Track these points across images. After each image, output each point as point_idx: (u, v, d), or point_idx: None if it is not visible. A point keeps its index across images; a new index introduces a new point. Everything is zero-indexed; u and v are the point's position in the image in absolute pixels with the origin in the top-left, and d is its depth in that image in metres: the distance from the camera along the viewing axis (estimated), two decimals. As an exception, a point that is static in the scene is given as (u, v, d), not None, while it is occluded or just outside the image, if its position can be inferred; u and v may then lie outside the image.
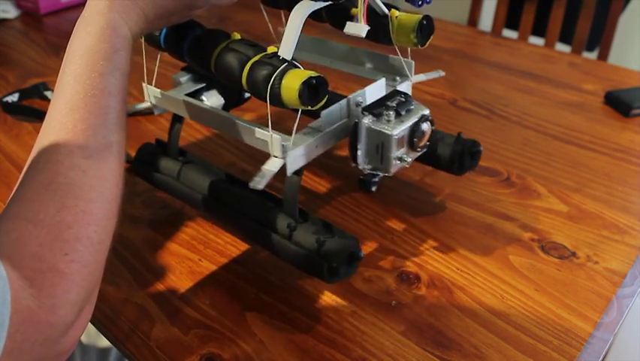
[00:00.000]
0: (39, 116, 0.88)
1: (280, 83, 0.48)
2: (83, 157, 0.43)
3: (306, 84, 0.48)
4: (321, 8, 0.54)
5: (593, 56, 1.47)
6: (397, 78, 0.63)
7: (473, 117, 0.88)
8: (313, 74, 0.49)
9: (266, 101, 0.50)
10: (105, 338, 0.57)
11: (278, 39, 0.73)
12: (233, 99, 0.65)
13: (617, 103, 0.89)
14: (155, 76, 0.64)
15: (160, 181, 0.66)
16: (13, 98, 0.92)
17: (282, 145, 0.52)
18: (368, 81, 0.61)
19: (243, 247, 0.64)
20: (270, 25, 0.72)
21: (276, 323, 0.55)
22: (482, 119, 0.87)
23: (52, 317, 0.39)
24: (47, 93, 0.94)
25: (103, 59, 0.47)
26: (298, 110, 0.50)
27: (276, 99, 0.49)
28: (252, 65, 0.51)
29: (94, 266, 0.42)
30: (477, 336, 0.54)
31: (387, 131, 0.52)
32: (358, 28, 0.52)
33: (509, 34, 1.42)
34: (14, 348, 0.37)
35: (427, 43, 0.59)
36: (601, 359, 0.53)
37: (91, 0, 0.50)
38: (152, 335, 0.54)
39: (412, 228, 0.66)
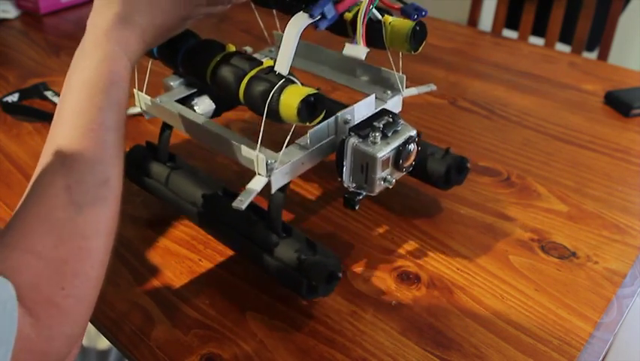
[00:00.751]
0: (39, 116, 0.88)
1: (278, 99, 0.49)
2: (80, 193, 0.43)
3: (305, 102, 0.48)
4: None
5: (593, 56, 1.47)
6: (388, 92, 0.62)
7: (473, 117, 0.88)
8: (311, 91, 0.49)
9: (262, 116, 0.50)
10: (105, 339, 0.57)
11: (271, 42, 0.73)
12: (224, 105, 0.65)
13: (617, 103, 0.89)
14: (146, 81, 0.63)
15: (149, 186, 0.66)
16: (13, 98, 0.92)
17: (267, 163, 0.52)
18: (359, 93, 0.61)
19: (243, 247, 0.64)
20: (261, 23, 0.71)
21: (276, 323, 0.55)
22: (482, 119, 0.87)
23: (47, 348, 0.40)
24: (47, 93, 0.93)
25: (101, 93, 0.47)
26: (292, 125, 0.50)
27: (274, 115, 0.49)
28: (249, 80, 0.51)
29: (89, 301, 0.43)
30: (477, 336, 0.54)
31: (372, 153, 0.52)
32: (357, 50, 0.52)
33: (509, 34, 1.42)
34: None
35: (420, 48, 0.58)
36: (601, 359, 0.53)
37: (90, 29, 0.50)
38: (152, 335, 0.54)
39: (412, 228, 0.66)
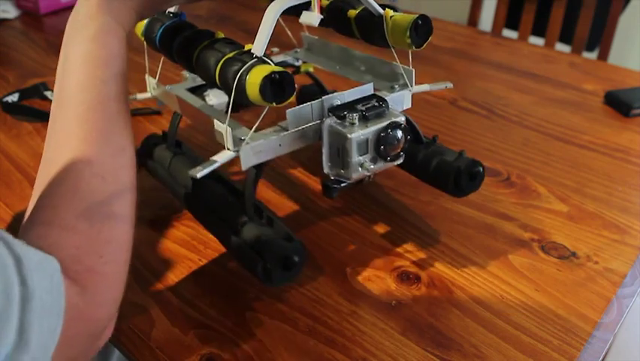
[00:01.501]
0: (39, 116, 0.88)
1: (246, 78, 0.47)
2: (100, 165, 0.45)
3: (268, 79, 0.46)
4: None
5: (593, 56, 1.47)
6: (396, 86, 0.60)
7: (473, 117, 0.88)
8: (278, 69, 0.46)
9: (235, 98, 0.49)
10: (105, 338, 0.57)
11: (299, 44, 0.74)
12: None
13: (617, 103, 0.89)
14: (159, 71, 0.65)
15: (153, 169, 0.68)
16: (13, 98, 0.92)
17: (240, 139, 0.50)
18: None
19: (243, 247, 0.64)
20: (286, 28, 0.72)
21: (276, 323, 0.55)
22: (482, 119, 0.87)
23: (97, 314, 0.43)
24: (47, 93, 0.94)
25: (103, 66, 0.48)
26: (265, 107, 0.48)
27: (242, 94, 0.48)
28: (225, 61, 0.50)
29: (124, 264, 0.46)
30: (477, 336, 0.54)
31: (346, 134, 0.49)
32: (311, 16, 0.52)
33: (509, 34, 1.42)
34: (67, 342, 0.40)
35: (425, 44, 0.55)
36: (601, 359, 0.53)
37: (82, 2, 0.50)
38: (152, 335, 0.54)
39: (412, 228, 0.66)
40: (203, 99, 0.63)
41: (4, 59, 1.08)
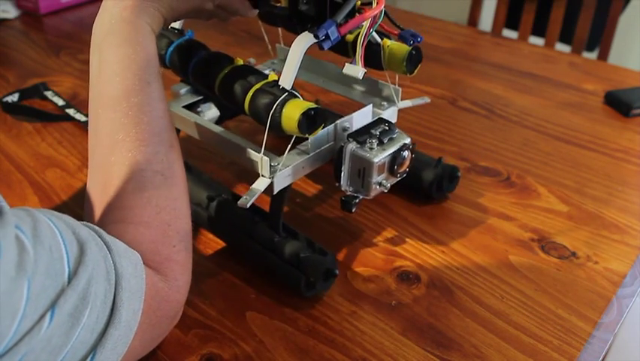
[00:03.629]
0: (39, 116, 0.88)
1: (281, 112, 0.51)
2: (158, 162, 0.49)
3: (306, 115, 0.51)
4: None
5: (593, 56, 1.47)
6: (384, 103, 0.65)
7: (473, 117, 0.88)
8: (311, 105, 0.51)
9: (265, 127, 0.53)
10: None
11: (274, 54, 0.75)
12: (228, 113, 0.68)
13: (617, 103, 0.89)
14: None
15: None
16: (13, 98, 0.92)
17: (271, 166, 0.54)
18: (357, 104, 0.63)
19: (243, 247, 0.64)
20: (266, 37, 0.73)
21: (276, 323, 0.55)
22: (482, 119, 0.87)
23: (178, 297, 0.48)
24: (47, 93, 0.93)
25: (145, 67, 0.50)
26: (293, 135, 0.53)
27: (276, 127, 0.52)
28: (255, 92, 0.54)
29: (191, 249, 0.51)
30: (477, 336, 0.54)
31: (369, 158, 0.55)
32: (356, 70, 0.55)
33: (509, 34, 1.42)
34: (154, 323, 0.46)
35: (415, 71, 0.62)
36: (601, 359, 0.53)
37: (112, 6, 0.51)
38: (152, 335, 0.54)
39: (412, 228, 0.66)
40: (198, 114, 0.65)
41: (4, 59, 1.08)
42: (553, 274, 0.60)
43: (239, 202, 0.53)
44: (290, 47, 0.53)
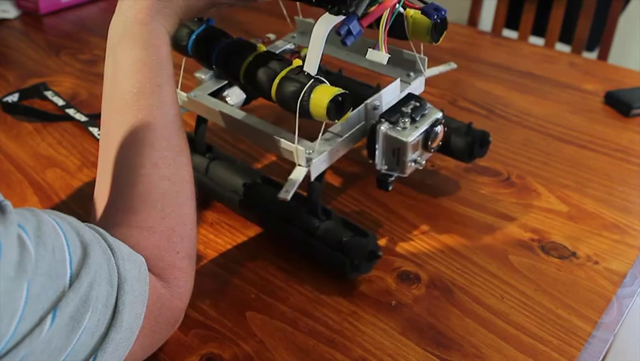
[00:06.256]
0: (39, 116, 0.88)
1: (309, 99, 0.51)
2: (166, 167, 0.48)
3: (334, 101, 0.50)
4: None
5: (593, 56, 1.47)
6: (411, 74, 0.65)
7: (473, 117, 0.88)
8: (339, 91, 0.51)
9: (294, 114, 0.52)
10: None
11: (294, 26, 0.74)
12: (254, 94, 0.67)
13: (617, 103, 0.89)
14: (180, 80, 0.65)
15: None
16: (13, 98, 0.92)
17: (307, 155, 0.54)
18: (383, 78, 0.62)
19: (244, 247, 0.64)
20: (284, 9, 0.72)
21: (276, 323, 0.55)
22: (482, 119, 0.87)
23: (179, 303, 0.48)
24: (47, 93, 0.93)
25: (157, 71, 0.50)
26: (323, 122, 0.53)
27: (305, 113, 0.52)
28: (281, 80, 0.54)
29: (195, 257, 0.51)
30: (477, 336, 0.54)
31: (403, 138, 0.55)
32: (380, 56, 0.54)
33: (509, 34, 1.42)
34: (154, 329, 0.45)
35: (441, 39, 0.61)
36: (601, 359, 0.53)
37: (128, 8, 0.51)
38: (152, 335, 0.54)
39: (412, 228, 0.66)
40: (224, 100, 0.65)
41: (4, 59, 1.08)
42: (553, 274, 0.60)
43: (279, 195, 0.53)
44: (308, 19, 0.53)
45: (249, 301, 0.58)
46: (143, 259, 0.45)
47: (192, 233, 0.50)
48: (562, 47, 1.37)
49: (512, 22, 1.46)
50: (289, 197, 0.53)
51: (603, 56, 1.36)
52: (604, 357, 0.54)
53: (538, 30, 1.41)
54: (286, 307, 0.57)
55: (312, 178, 0.56)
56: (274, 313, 0.56)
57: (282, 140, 0.55)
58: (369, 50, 0.55)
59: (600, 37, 1.36)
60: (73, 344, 0.37)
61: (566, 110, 0.89)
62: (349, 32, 0.51)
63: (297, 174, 0.54)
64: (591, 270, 0.60)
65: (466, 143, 0.67)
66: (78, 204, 0.70)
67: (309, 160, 0.55)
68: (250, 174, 0.65)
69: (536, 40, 1.38)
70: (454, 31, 1.18)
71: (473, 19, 1.47)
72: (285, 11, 0.72)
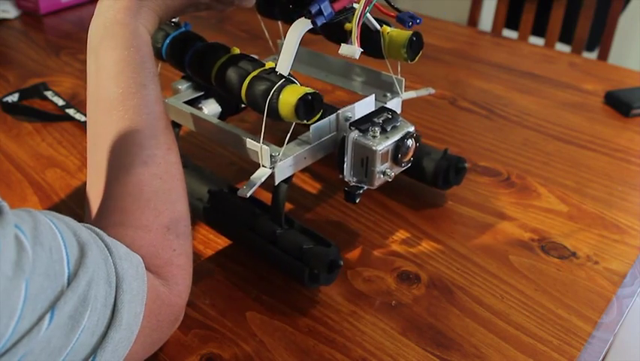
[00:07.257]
0: (39, 116, 0.88)
1: (278, 98, 0.50)
2: (156, 165, 0.48)
3: (303, 100, 0.50)
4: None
5: (593, 56, 1.47)
6: (388, 94, 0.64)
7: (473, 117, 0.88)
8: (309, 90, 0.51)
9: (263, 114, 0.52)
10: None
11: (276, 50, 0.74)
12: (230, 108, 0.67)
13: (617, 103, 0.89)
14: None
15: None
16: (13, 98, 0.92)
17: (271, 156, 0.54)
18: (359, 95, 0.62)
19: (244, 247, 0.64)
20: (266, 33, 0.73)
21: (276, 323, 0.55)
22: (482, 119, 0.87)
23: (179, 300, 0.48)
24: (47, 93, 0.93)
25: (140, 70, 0.50)
26: (292, 123, 0.52)
27: (274, 113, 0.51)
28: (251, 79, 0.53)
29: (191, 253, 0.50)
30: (477, 336, 0.54)
31: (372, 147, 0.54)
32: (352, 50, 0.53)
33: (509, 34, 1.42)
34: (155, 327, 0.45)
35: (417, 58, 0.61)
36: (601, 359, 0.53)
37: (107, 9, 0.51)
38: (152, 335, 0.54)
39: (412, 228, 0.66)
40: (198, 110, 0.64)
41: (4, 59, 1.08)
42: (554, 274, 0.60)
43: (238, 192, 0.53)
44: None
45: (248, 301, 0.58)
46: (140, 258, 0.44)
47: (187, 230, 0.50)
48: (562, 47, 1.37)
49: (512, 22, 1.46)
50: (247, 195, 0.52)
51: (603, 56, 1.36)
52: (604, 357, 0.54)
53: (538, 30, 1.41)
54: (286, 308, 0.57)
55: (277, 181, 0.55)
56: (274, 313, 0.56)
57: (247, 140, 0.55)
58: (342, 45, 0.54)
59: (600, 37, 1.36)
60: (72, 343, 0.37)
61: (566, 110, 0.89)
62: (320, 12, 0.51)
63: (259, 174, 0.54)
64: (591, 270, 0.60)
65: (439, 167, 0.66)
66: (78, 204, 0.70)
67: (273, 162, 0.54)
68: (216, 182, 0.64)
69: (536, 40, 1.38)
70: (454, 31, 1.18)
71: (473, 19, 1.47)
72: (266, 32, 0.72)
